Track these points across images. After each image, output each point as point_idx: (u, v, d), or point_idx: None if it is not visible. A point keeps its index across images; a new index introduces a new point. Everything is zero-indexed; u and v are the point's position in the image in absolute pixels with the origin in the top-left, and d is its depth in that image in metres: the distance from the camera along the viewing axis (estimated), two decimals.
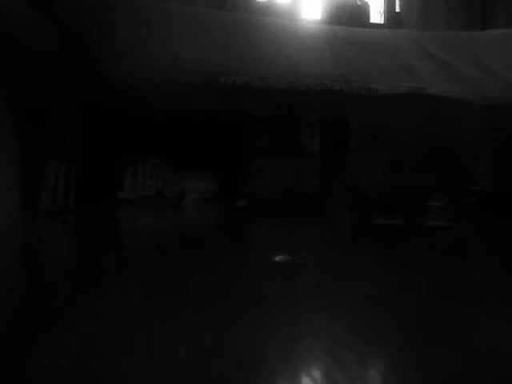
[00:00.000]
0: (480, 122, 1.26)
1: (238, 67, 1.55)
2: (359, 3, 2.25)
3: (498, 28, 2.14)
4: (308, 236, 1.05)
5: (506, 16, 2.54)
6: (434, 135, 1.12)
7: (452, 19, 2.55)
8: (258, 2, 2.36)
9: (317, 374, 0.27)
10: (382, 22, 2.61)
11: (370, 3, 2.32)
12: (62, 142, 1.44)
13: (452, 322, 0.38)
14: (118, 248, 0.83)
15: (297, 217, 1.43)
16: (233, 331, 0.35)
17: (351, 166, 1.25)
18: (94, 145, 1.62)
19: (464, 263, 0.70)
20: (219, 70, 1.53)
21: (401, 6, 2.58)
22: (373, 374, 0.28)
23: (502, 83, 1.67)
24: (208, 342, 0.32)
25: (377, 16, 2.60)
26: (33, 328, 0.36)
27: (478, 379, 0.27)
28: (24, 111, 1.28)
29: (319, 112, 1.71)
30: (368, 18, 2.31)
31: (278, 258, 0.68)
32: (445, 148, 1.12)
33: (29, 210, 1.27)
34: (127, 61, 1.47)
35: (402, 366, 0.28)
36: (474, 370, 0.28)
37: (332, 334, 0.34)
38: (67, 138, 1.47)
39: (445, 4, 2.56)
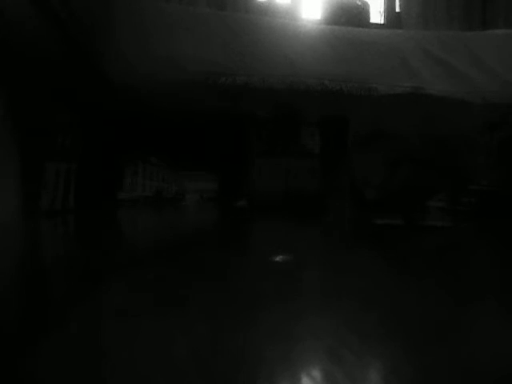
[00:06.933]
0: (480, 121, 1.26)
1: (238, 67, 1.55)
2: (359, 3, 2.24)
3: (498, 28, 2.14)
4: (308, 236, 1.05)
5: (506, 16, 2.54)
6: (434, 135, 1.12)
7: (452, 19, 2.54)
8: (258, 2, 2.36)
9: (317, 373, 0.27)
10: (382, 22, 2.60)
11: (369, 3, 2.32)
12: (61, 142, 1.44)
13: (452, 322, 0.38)
14: (118, 248, 0.83)
15: (297, 217, 1.43)
16: (233, 331, 0.35)
17: (351, 166, 1.25)
18: (94, 145, 1.62)
19: (464, 263, 0.70)
20: (219, 70, 1.53)
21: (401, 5, 2.58)
22: (373, 374, 0.28)
23: (501, 83, 1.67)
24: (208, 341, 0.32)
25: (377, 16, 2.60)
26: (33, 328, 0.35)
27: (477, 379, 0.27)
28: (24, 111, 1.28)
29: (319, 112, 1.71)
30: (368, 18, 2.31)
31: (278, 258, 0.68)
32: (445, 148, 1.12)
33: (29, 211, 1.27)
34: (127, 61, 1.47)
35: (402, 366, 0.28)
36: (474, 370, 0.28)
37: (332, 334, 0.34)
38: (67, 139, 1.47)
39: (445, 4, 2.56)
